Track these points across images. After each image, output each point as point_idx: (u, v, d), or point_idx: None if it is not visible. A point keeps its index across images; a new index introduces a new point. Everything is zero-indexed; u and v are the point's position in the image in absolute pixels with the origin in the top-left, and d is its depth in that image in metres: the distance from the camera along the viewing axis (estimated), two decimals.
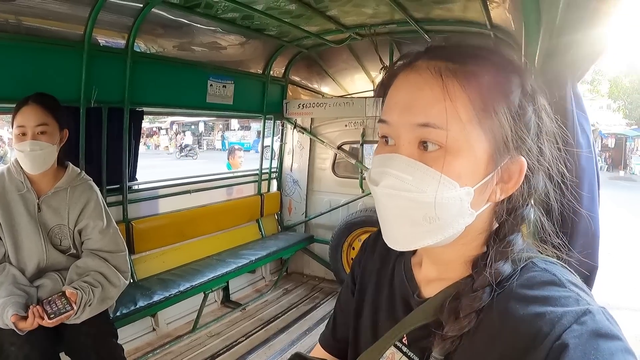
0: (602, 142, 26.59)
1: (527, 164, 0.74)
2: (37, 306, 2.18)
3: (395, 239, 0.77)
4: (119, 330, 2.74)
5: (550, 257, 0.78)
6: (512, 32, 3.14)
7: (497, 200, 0.75)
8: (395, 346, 0.84)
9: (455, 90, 0.70)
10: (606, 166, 25.41)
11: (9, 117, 2.47)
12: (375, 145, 0.82)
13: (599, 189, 1.47)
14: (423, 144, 0.71)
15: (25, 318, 2.13)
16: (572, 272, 0.75)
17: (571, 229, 1.29)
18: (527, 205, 0.78)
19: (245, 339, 4.11)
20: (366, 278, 1.04)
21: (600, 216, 1.46)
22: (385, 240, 0.78)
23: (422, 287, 0.86)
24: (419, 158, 0.71)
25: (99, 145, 3.49)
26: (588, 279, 1.41)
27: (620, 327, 0.64)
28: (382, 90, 0.82)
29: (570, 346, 0.59)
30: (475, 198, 0.72)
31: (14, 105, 2.38)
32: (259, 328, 4.35)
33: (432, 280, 0.84)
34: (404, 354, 0.83)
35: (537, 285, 0.69)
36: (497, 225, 0.78)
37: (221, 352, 3.86)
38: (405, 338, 0.83)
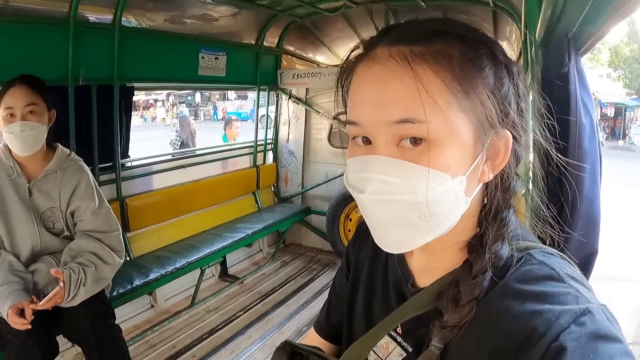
0: (601, 111, 26.49)
1: (513, 135, 0.70)
2: (34, 296, 2.21)
3: (391, 244, 0.72)
4: (116, 309, 2.76)
5: (549, 248, 0.74)
6: (512, 1, 3.07)
7: (488, 179, 0.71)
8: (390, 335, 0.82)
9: (428, 76, 0.64)
10: (605, 135, 25.36)
11: None
12: None
13: (601, 171, 1.44)
14: (404, 141, 0.66)
15: (21, 309, 2.12)
16: (571, 264, 0.72)
17: (571, 213, 1.27)
18: (514, 177, 0.75)
19: (244, 313, 4.14)
20: (360, 264, 1.01)
21: (601, 199, 1.43)
22: (379, 245, 0.74)
23: (416, 276, 0.83)
24: (402, 156, 0.66)
25: (90, 124, 3.45)
26: (587, 263, 1.39)
27: (620, 327, 0.61)
28: (341, 88, 0.77)
29: (568, 349, 0.56)
30: (468, 184, 0.68)
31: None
32: (257, 302, 4.38)
33: (426, 269, 0.81)
34: (399, 343, 0.81)
35: (534, 280, 0.66)
36: (488, 202, 0.74)
37: (220, 326, 3.89)
38: (400, 328, 0.81)
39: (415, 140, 0.65)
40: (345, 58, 0.76)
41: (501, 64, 0.69)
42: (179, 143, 8.15)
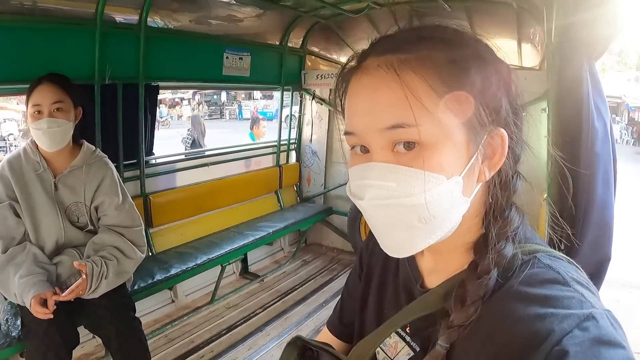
0: (629, 115, 25.84)
1: (507, 133, 0.71)
2: (56, 287, 2.27)
3: (394, 247, 0.73)
4: (137, 303, 2.81)
5: (556, 252, 0.74)
6: (535, 3, 3.05)
7: (487, 179, 0.72)
8: (398, 334, 0.83)
9: (414, 81, 0.66)
10: (632, 140, 24.70)
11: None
12: None
13: (615, 176, 1.42)
14: (397, 146, 0.68)
15: (44, 299, 2.18)
16: (578, 269, 0.72)
17: (584, 218, 1.26)
18: (515, 176, 0.76)
19: (263, 311, 4.16)
20: (373, 264, 1.03)
21: (614, 205, 1.41)
22: (384, 250, 0.75)
23: (425, 277, 0.84)
24: (397, 161, 0.68)
25: (115, 122, 3.52)
26: (600, 270, 1.38)
27: (624, 333, 0.61)
28: (338, 99, 0.79)
29: (570, 354, 0.56)
30: (465, 184, 0.69)
31: (27, 86, 2.39)
32: (277, 300, 4.40)
33: (434, 271, 0.82)
34: (407, 342, 0.82)
35: (538, 283, 0.66)
36: (490, 202, 0.75)
37: (239, 323, 3.93)
38: (409, 327, 0.82)
39: (409, 145, 0.67)
40: (340, 71, 0.78)
41: (489, 64, 0.70)
42: (190, 141, 8.23)
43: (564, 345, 0.57)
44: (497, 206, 0.74)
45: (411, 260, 0.88)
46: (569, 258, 0.73)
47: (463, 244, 0.76)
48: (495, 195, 0.74)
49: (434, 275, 0.82)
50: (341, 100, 0.78)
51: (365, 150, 0.72)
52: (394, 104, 0.66)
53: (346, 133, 0.74)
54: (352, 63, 0.76)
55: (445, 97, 0.66)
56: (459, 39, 0.71)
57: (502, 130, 0.70)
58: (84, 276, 2.30)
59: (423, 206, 0.66)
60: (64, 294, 2.23)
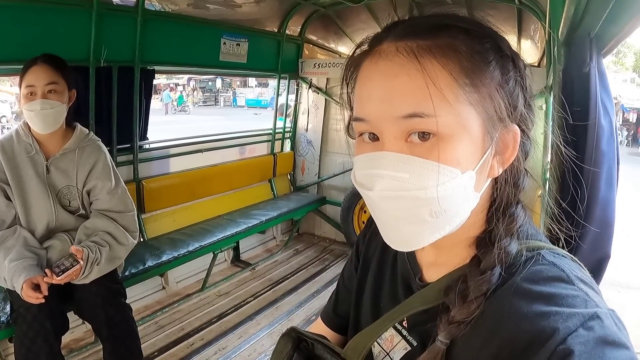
0: (623, 116, 25.95)
1: (521, 129, 0.70)
2: (46, 269, 2.23)
3: (400, 241, 0.71)
4: (128, 289, 2.79)
5: (560, 249, 0.73)
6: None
7: (497, 174, 0.71)
8: (395, 328, 0.82)
9: (435, 70, 0.64)
10: (627, 141, 24.80)
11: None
12: None
13: (618, 174, 1.41)
14: (412, 136, 0.65)
15: (35, 284, 2.16)
16: (581, 267, 0.71)
17: (585, 216, 1.25)
18: (522, 172, 0.74)
19: (254, 299, 4.16)
20: (370, 255, 1.01)
21: (616, 203, 1.41)
22: (388, 244, 0.73)
23: (424, 271, 0.83)
24: (410, 152, 0.65)
25: (110, 105, 3.48)
26: (599, 268, 1.38)
27: (627, 333, 0.61)
28: (346, 85, 0.77)
29: (575, 353, 0.55)
30: (477, 179, 0.67)
31: (21, 67, 2.35)
32: (268, 288, 4.39)
33: (434, 265, 0.81)
34: (404, 337, 0.81)
35: (543, 280, 0.65)
36: (497, 197, 0.74)
37: (229, 311, 3.92)
38: (406, 322, 0.81)
39: (424, 135, 0.65)
40: (350, 55, 0.75)
41: (507, 57, 0.69)
42: None
43: (569, 344, 0.56)
44: (504, 202, 0.73)
45: (410, 253, 0.87)
46: (572, 256, 0.73)
47: (466, 238, 0.75)
48: (502, 191, 0.73)
49: (433, 269, 0.80)
50: (347, 85, 0.76)
51: (374, 138, 0.70)
52: (413, 92, 0.64)
53: (355, 119, 0.71)
54: (364, 47, 0.73)
55: (466, 89, 0.64)
56: (480, 30, 0.69)
57: (516, 126, 0.69)
58: (81, 262, 2.28)
59: (435, 200, 0.64)
60: (59, 278, 2.20)
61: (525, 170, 0.75)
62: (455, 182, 0.65)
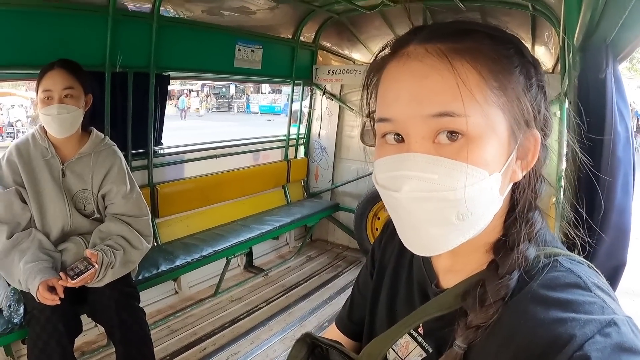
0: (637, 122, 25.73)
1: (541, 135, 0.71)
2: (61, 272, 2.24)
3: (424, 245, 0.71)
4: (141, 293, 2.80)
5: (577, 256, 0.73)
6: (552, 5, 3.02)
7: (519, 179, 0.71)
8: (410, 335, 0.82)
9: (466, 71, 0.64)
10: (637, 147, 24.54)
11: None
12: None
13: (634, 181, 1.40)
14: (440, 137, 0.65)
15: (51, 287, 2.17)
16: (598, 274, 0.71)
17: (601, 223, 1.24)
18: (540, 178, 0.75)
19: (266, 305, 4.15)
20: (385, 261, 1.01)
21: (632, 210, 1.39)
22: (409, 248, 0.72)
23: (441, 277, 0.83)
24: (438, 153, 0.65)
25: (125, 110, 3.50)
26: (615, 275, 1.36)
27: None
28: (369, 87, 0.77)
29: (592, 359, 0.55)
30: (502, 182, 0.68)
31: (38, 71, 2.38)
32: (280, 294, 4.39)
33: (451, 271, 0.81)
34: (419, 343, 0.81)
35: (560, 286, 0.65)
36: (516, 202, 0.74)
37: (242, 316, 3.92)
38: (422, 328, 0.81)
39: (452, 135, 0.65)
40: (374, 57, 0.76)
41: (529, 63, 0.70)
42: None
43: (586, 351, 0.56)
44: (523, 207, 0.73)
45: (426, 259, 0.87)
46: (589, 263, 0.72)
47: (484, 244, 0.75)
48: (522, 195, 0.73)
49: (450, 276, 0.80)
50: (368, 89, 0.77)
51: (400, 139, 0.70)
52: (444, 92, 0.64)
53: (380, 120, 0.71)
54: (387, 50, 0.74)
55: (495, 91, 0.65)
56: (503, 36, 0.70)
57: (537, 131, 0.70)
58: (96, 266, 2.29)
59: (463, 202, 0.64)
60: (74, 281, 2.22)
61: (542, 176, 0.76)
62: (483, 184, 0.65)
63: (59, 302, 2.15)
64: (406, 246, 0.73)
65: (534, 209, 0.73)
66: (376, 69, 0.75)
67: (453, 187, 0.64)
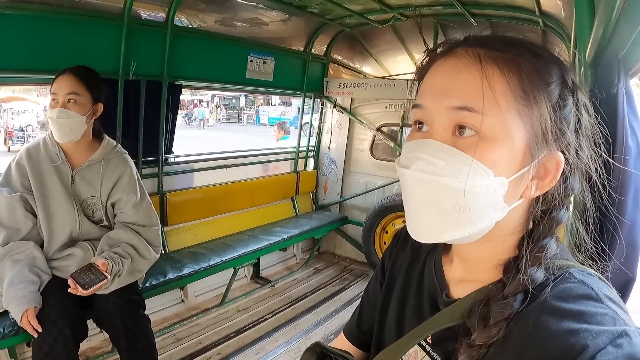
0: None
1: (565, 160, 0.71)
2: (70, 280, 2.24)
3: (421, 229, 0.74)
4: (147, 300, 2.80)
5: (588, 268, 0.73)
6: (562, 21, 3.02)
7: (531, 196, 0.73)
8: (420, 345, 0.82)
9: (495, 75, 0.68)
10: None
11: None
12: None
13: None
14: (458, 130, 0.70)
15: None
16: (609, 286, 0.71)
17: (611, 237, 1.23)
18: (563, 206, 0.75)
19: (272, 316, 4.14)
20: (396, 271, 1.02)
21: None
22: (409, 232, 0.76)
23: (452, 287, 0.84)
24: (453, 144, 0.69)
25: (137, 118, 3.53)
26: (625, 290, 1.35)
27: None
28: (419, 76, 0.80)
29: None
30: (509, 191, 0.69)
31: (52, 77, 2.42)
32: (287, 306, 4.38)
33: (461, 280, 0.82)
34: (428, 353, 0.81)
35: (572, 298, 0.66)
36: (532, 226, 0.74)
37: (247, 327, 3.91)
38: (430, 338, 0.81)
39: (468, 130, 0.69)
40: (427, 53, 0.80)
41: (568, 86, 0.72)
42: None
43: None
44: (536, 231, 0.74)
45: (438, 268, 0.89)
46: (600, 275, 0.73)
47: (495, 257, 0.76)
48: (536, 220, 0.74)
49: (461, 286, 0.82)
50: (421, 77, 0.80)
51: (426, 128, 0.75)
52: (468, 87, 0.69)
53: (414, 106, 0.77)
54: (440, 48, 0.78)
55: (520, 100, 0.68)
56: (544, 53, 0.73)
57: (560, 155, 0.71)
58: (109, 277, 2.30)
59: (462, 193, 0.68)
60: (87, 292, 2.22)
61: (567, 205, 0.76)
62: (486, 182, 0.67)
63: (40, 330, 2.17)
64: (408, 230, 0.77)
65: (549, 236, 0.73)
66: (429, 61, 0.79)
67: (455, 175, 0.68)
